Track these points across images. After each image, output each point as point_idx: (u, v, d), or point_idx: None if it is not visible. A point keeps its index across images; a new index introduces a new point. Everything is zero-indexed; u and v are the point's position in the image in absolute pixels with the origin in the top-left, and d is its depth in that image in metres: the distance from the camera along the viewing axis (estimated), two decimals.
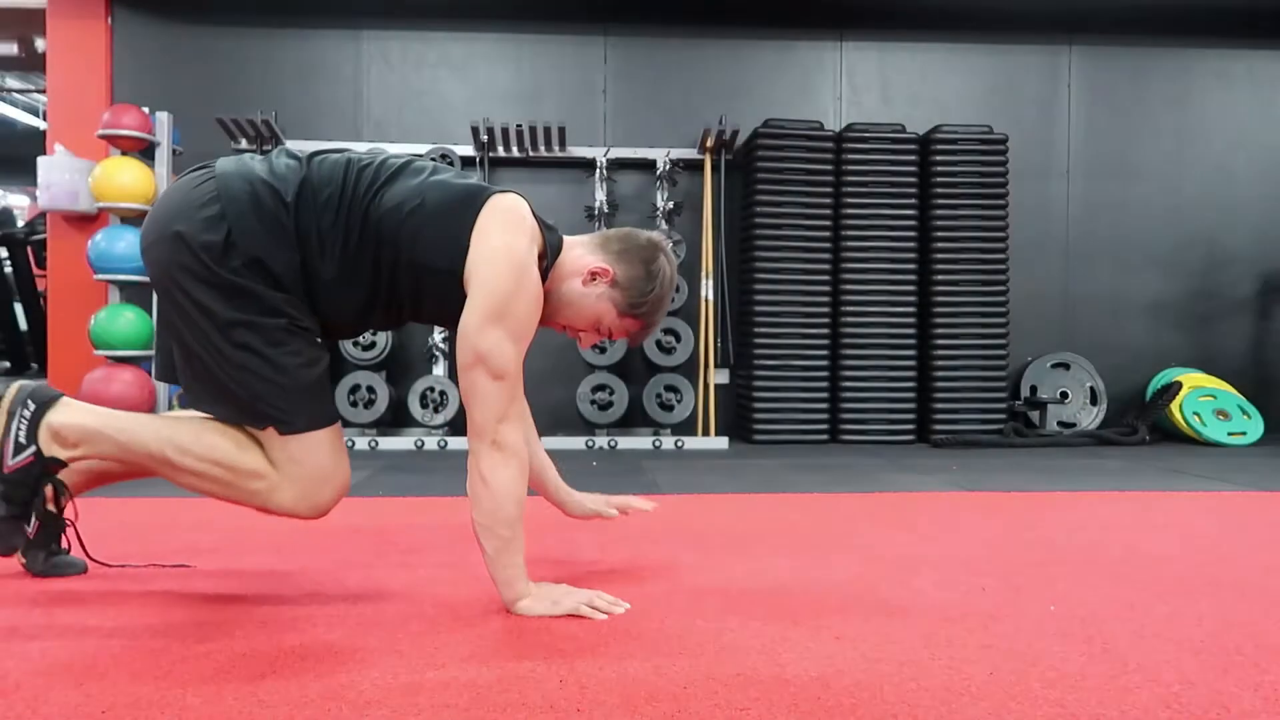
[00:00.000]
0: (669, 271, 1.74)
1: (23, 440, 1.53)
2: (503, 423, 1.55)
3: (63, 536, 1.77)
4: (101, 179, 4.33)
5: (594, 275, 1.69)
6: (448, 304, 1.61)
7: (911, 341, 4.83)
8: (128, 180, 4.31)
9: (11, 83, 9.04)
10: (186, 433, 1.60)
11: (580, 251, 1.73)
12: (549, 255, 1.68)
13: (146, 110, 4.45)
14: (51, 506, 1.65)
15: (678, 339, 4.68)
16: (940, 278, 4.83)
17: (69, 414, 1.59)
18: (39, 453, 1.54)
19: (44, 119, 6.91)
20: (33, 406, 1.54)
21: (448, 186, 1.65)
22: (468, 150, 4.88)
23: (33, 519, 1.65)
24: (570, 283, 1.71)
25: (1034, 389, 5.16)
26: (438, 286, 1.62)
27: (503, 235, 1.59)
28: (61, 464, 1.60)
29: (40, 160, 4.62)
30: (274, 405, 1.57)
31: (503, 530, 1.56)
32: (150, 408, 4.27)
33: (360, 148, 4.83)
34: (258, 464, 1.61)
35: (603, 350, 4.66)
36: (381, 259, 1.62)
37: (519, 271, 1.57)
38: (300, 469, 1.60)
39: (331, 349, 1.79)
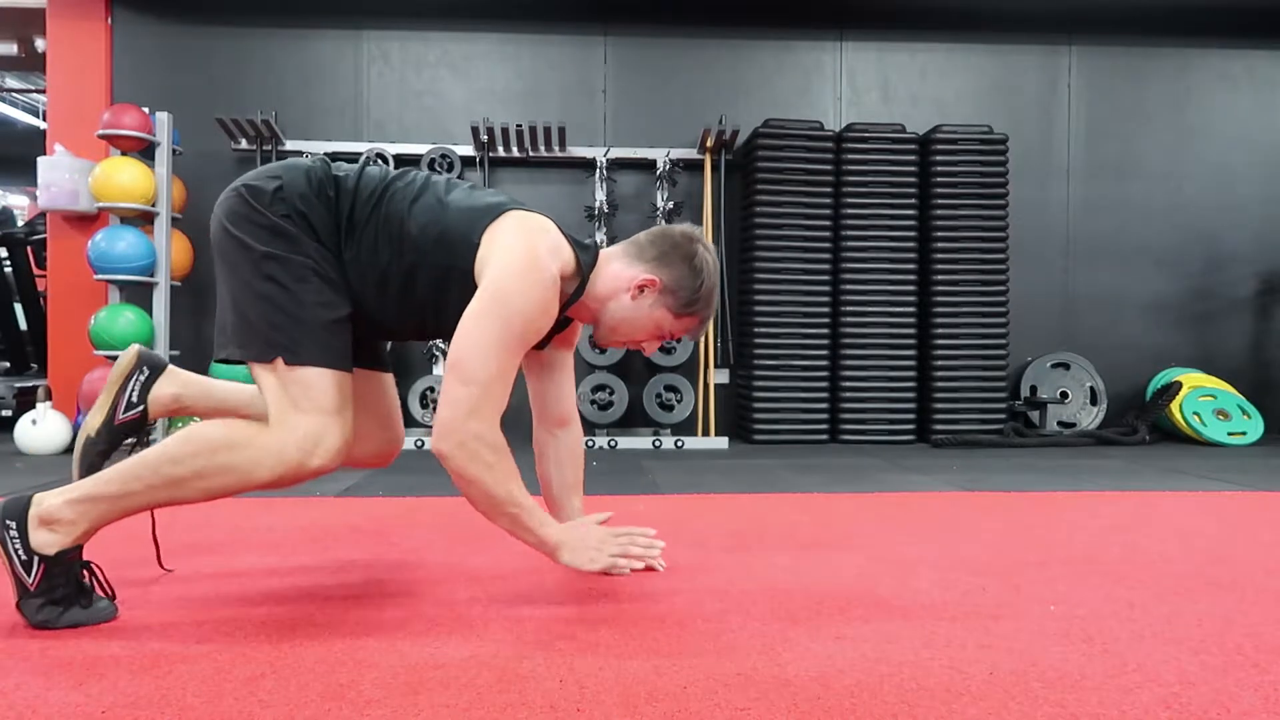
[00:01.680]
0: (711, 260, 1.74)
1: (24, 557, 1.51)
2: (471, 420, 1.55)
3: None
4: (101, 179, 4.32)
5: (641, 288, 1.70)
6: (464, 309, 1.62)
7: (911, 341, 4.83)
8: (128, 180, 4.31)
9: (11, 83, 9.04)
10: (170, 445, 1.55)
11: (618, 266, 1.73)
12: (583, 272, 1.69)
13: (146, 110, 4.45)
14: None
15: (678, 339, 4.68)
16: (940, 278, 4.84)
17: (50, 501, 1.53)
18: (44, 558, 1.51)
19: (44, 119, 6.91)
20: (13, 524, 1.51)
21: (476, 197, 1.69)
22: (468, 150, 4.88)
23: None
24: (619, 300, 1.72)
25: (1034, 389, 5.16)
26: (455, 289, 1.63)
27: (515, 237, 1.60)
28: (76, 549, 1.55)
29: (40, 160, 4.62)
30: (285, 334, 1.57)
31: (509, 509, 1.61)
32: None
33: (360, 148, 4.88)
34: (253, 432, 1.56)
35: (602, 351, 4.66)
36: (400, 260, 1.63)
37: (524, 273, 1.57)
38: (300, 415, 1.54)
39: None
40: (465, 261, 1.61)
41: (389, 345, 4.54)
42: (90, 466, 1.78)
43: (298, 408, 1.55)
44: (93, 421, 1.82)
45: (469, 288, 1.61)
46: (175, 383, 1.90)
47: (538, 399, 1.97)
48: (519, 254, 1.58)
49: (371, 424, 1.83)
